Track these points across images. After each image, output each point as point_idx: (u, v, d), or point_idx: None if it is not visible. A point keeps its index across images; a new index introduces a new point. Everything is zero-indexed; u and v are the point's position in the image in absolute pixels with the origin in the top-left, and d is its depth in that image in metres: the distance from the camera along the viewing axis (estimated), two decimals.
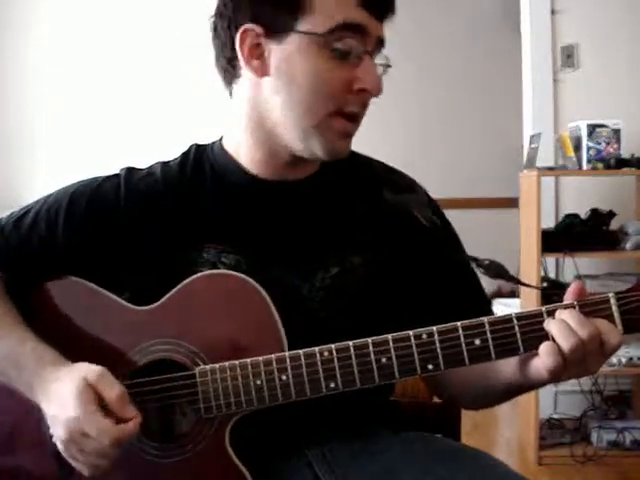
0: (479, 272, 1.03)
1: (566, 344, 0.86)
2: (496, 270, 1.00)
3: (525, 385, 0.95)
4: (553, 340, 0.87)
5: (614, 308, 0.88)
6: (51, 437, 0.96)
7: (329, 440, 1.05)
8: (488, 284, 1.15)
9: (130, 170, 1.10)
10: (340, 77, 0.97)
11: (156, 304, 1.00)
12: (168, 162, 1.11)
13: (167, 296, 1.00)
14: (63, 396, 0.92)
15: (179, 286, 0.99)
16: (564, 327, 0.86)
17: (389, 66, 1.01)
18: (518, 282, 1.04)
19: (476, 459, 1.01)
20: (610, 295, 0.88)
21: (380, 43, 1.00)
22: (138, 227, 1.05)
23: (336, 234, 1.05)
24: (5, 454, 1.04)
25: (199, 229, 1.04)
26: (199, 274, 0.99)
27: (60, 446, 0.94)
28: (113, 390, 0.91)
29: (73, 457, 0.93)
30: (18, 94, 3.70)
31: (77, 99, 3.70)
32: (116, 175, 1.09)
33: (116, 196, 1.06)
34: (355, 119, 1.00)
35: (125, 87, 3.62)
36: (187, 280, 0.99)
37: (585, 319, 0.87)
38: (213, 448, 0.96)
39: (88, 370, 0.93)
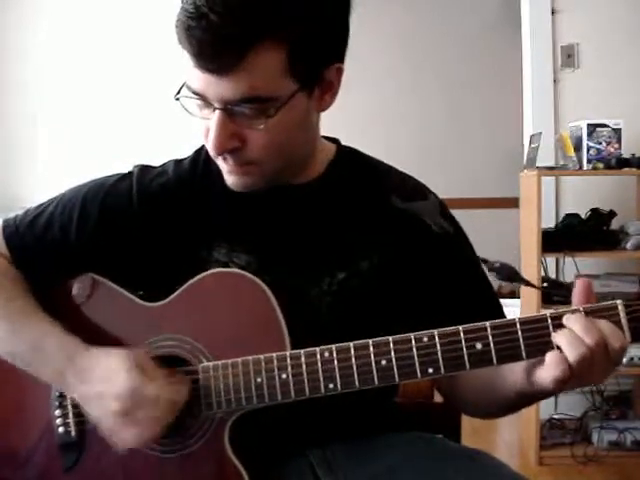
0: (490, 275, 1.02)
1: (573, 354, 0.84)
2: (507, 273, 0.99)
3: (530, 394, 0.93)
4: (559, 349, 0.85)
5: (622, 315, 0.86)
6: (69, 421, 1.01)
7: (330, 441, 1.05)
8: None
9: (142, 169, 1.10)
10: (202, 125, 0.95)
11: (164, 301, 1.02)
12: (181, 160, 1.11)
13: (175, 293, 1.01)
14: (109, 371, 0.94)
15: (187, 284, 1.00)
16: (571, 336, 0.85)
17: (265, 113, 0.92)
18: (530, 285, 1.02)
19: (477, 459, 1.01)
20: (618, 302, 0.87)
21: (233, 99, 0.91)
22: (150, 227, 1.06)
23: (343, 238, 1.05)
24: (11, 445, 1.05)
25: (210, 229, 1.05)
26: (206, 272, 1.00)
27: (107, 421, 0.94)
28: (156, 368, 0.95)
29: (119, 430, 0.94)
30: (19, 93, 3.70)
31: (78, 99, 3.70)
32: (129, 174, 1.09)
33: (129, 198, 1.07)
34: (230, 159, 0.97)
35: (127, 86, 3.61)
36: (195, 278, 1.00)
37: (590, 324, 0.85)
38: (212, 445, 0.97)
39: (126, 349, 0.96)
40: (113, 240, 1.06)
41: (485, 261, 1.00)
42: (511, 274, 0.99)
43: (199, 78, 0.90)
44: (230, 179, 1.01)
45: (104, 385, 0.94)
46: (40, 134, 3.72)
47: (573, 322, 0.86)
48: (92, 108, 3.68)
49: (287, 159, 1.00)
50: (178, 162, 1.10)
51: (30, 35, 3.66)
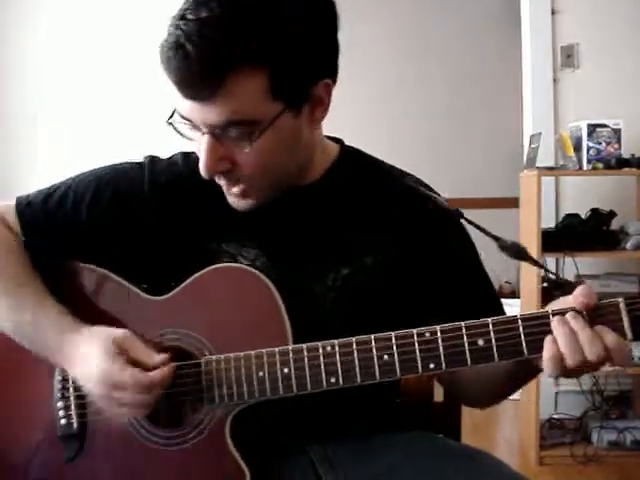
0: (501, 252, 1.02)
1: (571, 360, 0.86)
2: (516, 251, 1.00)
3: (528, 371, 0.96)
4: (556, 343, 0.87)
5: (623, 313, 0.87)
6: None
7: (331, 439, 1.05)
8: None
9: (153, 159, 1.12)
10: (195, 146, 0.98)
11: (168, 295, 1.03)
12: (189, 154, 1.12)
13: (179, 287, 1.02)
14: (90, 355, 0.97)
15: (191, 278, 1.02)
16: (572, 342, 0.86)
17: (250, 136, 0.93)
18: (537, 264, 1.03)
19: (477, 459, 1.01)
20: (620, 300, 0.87)
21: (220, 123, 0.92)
22: (160, 216, 1.08)
23: (346, 235, 1.06)
24: (14, 437, 1.06)
25: (218, 222, 1.06)
26: (211, 267, 1.01)
27: (99, 403, 0.99)
28: (138, 345, 0.97)
29: (113, 410, 0.98)
30: (19, 93, 3.70)
31: (78, 98, 3.70)
32: (140, 164, 1.12)
33: (141, 185, 1.09)
34: (223, 179, 1.00)
35: (126, 86, 3.62)
36: (199, 273, 1.01)
37: (595, 337, 0.86)
38: (214, 439, 0.98)
39: (111, 331, 0.98)
40: (123, 224, 1.07)
41: (497, 239, 1.01)
42: (520, 253, 1.00)
43: (185, 104, 0.93)
44: (231, 200, 1.03)
45: (87, 368, 0.98)
46: (40, 134, 3.72)
47: (580, 329, 0.86)
48: (92, 108, 3.69)
49: (281, 176, 1.02)
50: (186, 155, 1.12)
51: (30, 35, 3.67)
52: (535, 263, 1.03)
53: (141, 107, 3.57)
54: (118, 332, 0.98)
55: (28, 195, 1.12)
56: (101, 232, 1.08)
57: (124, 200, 1.08)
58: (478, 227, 1.04)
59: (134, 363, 0.96)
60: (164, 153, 1.15)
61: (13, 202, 1.12)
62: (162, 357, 0.96)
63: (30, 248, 1.09)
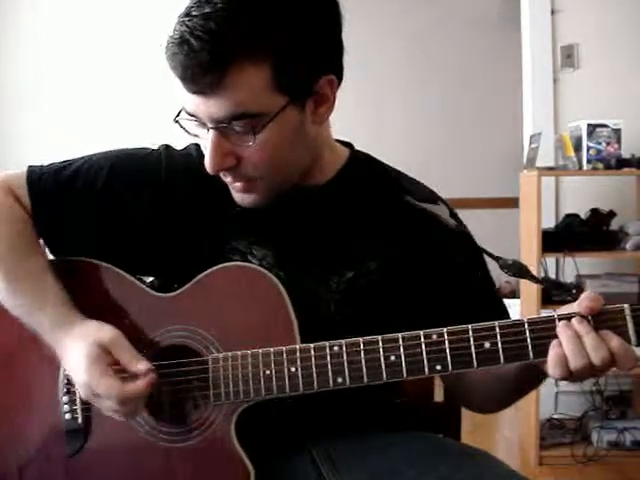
0: (501, 271, 1.04)
1: (576, 363, 0.87)
2: (517, 269, 1.01)
3: (532, 376, 0.97)
4: (561, 347, 0.87)
5: (628, 319, 0.87)
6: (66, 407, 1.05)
7: (333, 438, 1.05)
8: None
9: (169, 147, 1.12)
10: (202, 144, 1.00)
11: (176, 292, 1.03)
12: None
13: (188, 285, 1.03)
14: (76, 359, 0.97)
15: (199, 276, 1.02)
16: (577, 346, 0.87)
17: (254, 129, 0.94)
18: (539, 282, 1.05)
19: (477, 458, 1.01)
20: (625, 306, 0.88)
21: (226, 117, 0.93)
22: (173, 207, 1.07)
23: (352, 239, 1.06)
24: (18, 430, 1.06)
25: (229, 219, 1.06)
26: (220, 265, 1.01)
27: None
28: (124, 348, 0.96)
29: (103, 411, 0.99)
30: (17, 94, 3.70)
31: (77, 99, 3.70)
32: (156, 151, 1.12)
33: (157, 173, 1.09)
34: (229, 176, 1.01)
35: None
36: (207, 271, 1.02)
37: (600, 342, 0.86)
38: (219, 436, 0.98)
39: (100, 334, 0.97)
40: (134, 211, 1.07)
41: (498, 259, 1.03)
42: (521, 270, 1.03)
43: (190, 100, 0.94)
44: (236, 196, 1.04)
45: (74, 371, 0.99)
46: (37, 133, 3.71)
47: (585, 333, 0.87)
48: (91, 108, 3.68)
49: (285, 173, 1.02)
50: (198, 146, 1.10)
51: (29, 36, 3.67)
52: (536, 281, 1.04)
53: (140, 102, 3.57)
54: (105, 334, 0.97)
55: (41, 167, 1.10)
56: (110, 213, 1.07)
57: (138, 185, 1.07)
58: (480, 248, 1.05)
59: (118, 368, 0.96)
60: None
61: (24, 171, 1.10)
62: (143, 367, 0.95)
63: (40, 223, 1.08)
